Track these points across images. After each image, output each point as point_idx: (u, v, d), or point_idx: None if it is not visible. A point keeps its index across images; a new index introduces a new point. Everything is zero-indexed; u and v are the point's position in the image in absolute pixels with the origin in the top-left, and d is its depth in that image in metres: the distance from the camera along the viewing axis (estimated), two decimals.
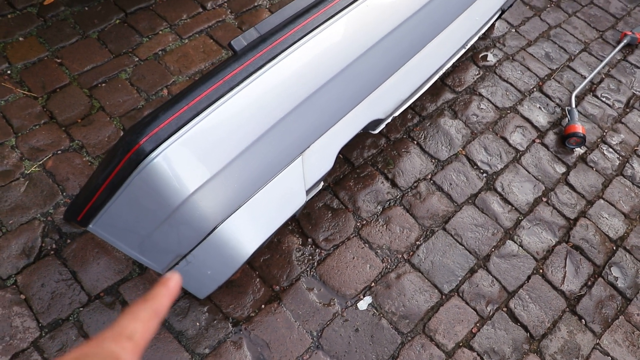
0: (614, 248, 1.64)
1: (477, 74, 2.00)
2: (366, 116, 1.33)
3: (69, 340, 1.23)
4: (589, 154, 1.85)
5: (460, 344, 1.39)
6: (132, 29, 1.86)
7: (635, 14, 2.42)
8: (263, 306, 1.36)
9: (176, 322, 1.30)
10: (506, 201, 1.67)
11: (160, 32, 1.87)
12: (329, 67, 1.19)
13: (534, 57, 2.12)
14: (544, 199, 1.70)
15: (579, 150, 1.85)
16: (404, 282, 1.45)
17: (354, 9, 1.24)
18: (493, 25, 2.17)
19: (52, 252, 1.34)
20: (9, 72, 1.66)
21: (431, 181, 1.67)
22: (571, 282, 1.54)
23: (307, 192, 1.23)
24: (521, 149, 1.82)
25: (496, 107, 1.92)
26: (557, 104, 1.97)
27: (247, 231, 1.12)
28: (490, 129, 1.85)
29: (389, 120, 1.47)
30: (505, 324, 1.44)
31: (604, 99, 2.04)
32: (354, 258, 1.47)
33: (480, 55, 2.07)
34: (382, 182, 1.63)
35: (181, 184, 1.00)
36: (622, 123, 1.98)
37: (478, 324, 1.42)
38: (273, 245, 1.45)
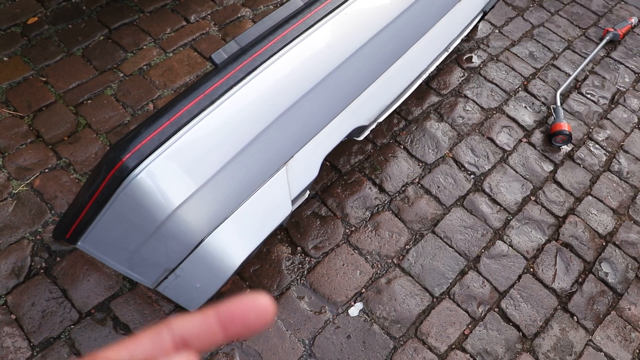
0: (604, 244, 1.65)
1: (462, 76, 2.01)
2: (350, 123, 1.34)
3: (61, 358, 1.23)
4: (576, 151, 1.87)
5: (453, 346, 1.39)
6: (116, 45, 1.87)
7: (616, 10, 2.44)
8: None
9: None
10: (495, 202, 1.68)
11: (145, 47, 1.88)
12: (309, 76, 1.20)
13: (518, 56, 2.14)
14: (533, 198, 1.71)
15: (566, 148, 1.86)
16: (394, 287, 1.46)
17: (333, 18, 1.25)
18: (476, 26, 2.19)
19: (41, 271, 1.34)
20: None
21: (419, 185, 1.68)
22: (562, 280, 1.55)
23: (293, 201, 1.23)
24: (508, 148, 1.83)
25: (482, 108, 1.93)
26: (543, 103, 1.99)
27: (234, 243, 1.12)
28: (477, 130, 1.86)
29: (374, 126, 1.48)
30: (498, 325, 1.44)
31: (589, 96, 2.06)
32: (343, 265, 1.47)
33: (465, 57, 2.08)
34: (370, 188, 1.64)
35: (166, 198, 1.01)
36: (608, 119, 2.00)
37: (470, 326, 1.43)
38: (262, 255, 1.46)
